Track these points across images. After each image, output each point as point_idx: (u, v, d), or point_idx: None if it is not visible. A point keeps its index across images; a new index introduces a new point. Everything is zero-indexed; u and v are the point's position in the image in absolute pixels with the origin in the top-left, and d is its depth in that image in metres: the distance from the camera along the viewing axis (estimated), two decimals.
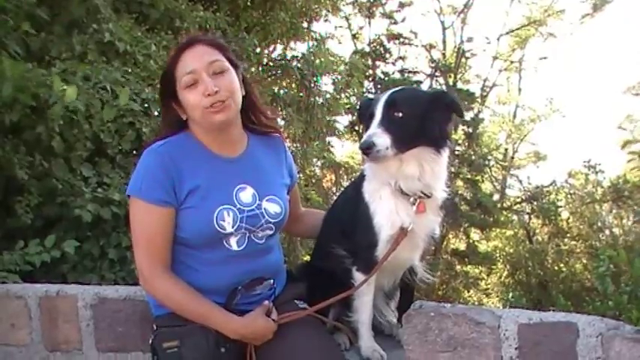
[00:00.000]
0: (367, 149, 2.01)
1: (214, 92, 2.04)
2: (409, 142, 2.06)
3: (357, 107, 2.41)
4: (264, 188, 2.19)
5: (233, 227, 2.08)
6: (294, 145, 10.65)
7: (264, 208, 2.16)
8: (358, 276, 2.23)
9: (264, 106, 2.33)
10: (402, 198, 2.15)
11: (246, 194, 2.15)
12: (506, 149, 21.74)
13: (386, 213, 2.16)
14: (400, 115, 2.06)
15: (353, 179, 2.65)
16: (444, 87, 18.93)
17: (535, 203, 15.85)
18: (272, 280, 2.19)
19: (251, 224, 2.13)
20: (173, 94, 2.13)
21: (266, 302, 2.12)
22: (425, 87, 18.19)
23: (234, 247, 2.12)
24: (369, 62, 18.16)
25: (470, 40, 20.64)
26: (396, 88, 2.16)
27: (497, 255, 16.17)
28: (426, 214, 2.20)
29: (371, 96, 2.97)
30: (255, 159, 2.24)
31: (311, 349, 2.12)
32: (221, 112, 2.07)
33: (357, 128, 17.63)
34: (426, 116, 2.08)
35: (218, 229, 2.07)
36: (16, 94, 3.37)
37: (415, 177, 2.12)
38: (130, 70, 4.87)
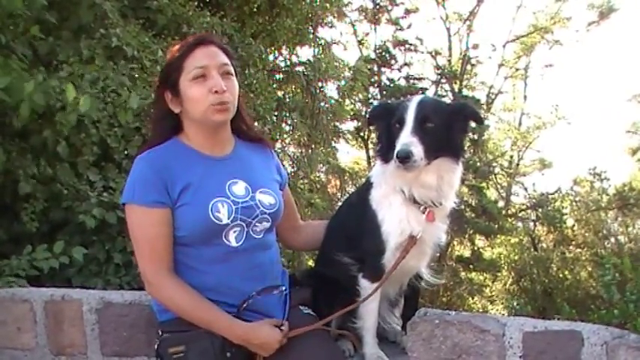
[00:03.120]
0: (406, 158, 2.00)
1: (223, 91, 2.09)
2: (436, 152, 2.07)
3: (372, 109, 2.39)
4: (255, 182, 2.23)
5: (229, 218, 2.10)
6: (299, 150, 10.65)
7: (258, 200, 2.19)
8: (364, 283, 2.24)
9: (248, 116, 2.37)
10: (413, 206, 2.16)
11: (239, 187, 2.18)
12: (511, 156, 21.67)
13: (395, 221, 2.17)
14: (431, 125, 2.06)
15: (358, 185, 2.64)
16: (449, 94, 18.90)
17: (540, 210, 15.76)
18: (284, 287, 2.24)
19: (247, 215, 2.14)
20: (173, 85, 2.15)
21: (280, 320, 2.15)
22: (430, 94, 18.18)
23: (233, 242, 2.13)
24: (375, 68, 18.13)
25: (475, 47, 20.60)
26: (422, 97, 2.15)
27: (502, 262, 16.10)
28: (435, 222, 2.20)
29: (385, 100, 2.93)
30: (243, 157, 2.28)
31: (316, 356, 2.14)
32: (223, 113, 2.13)
33: (362, 134, 17.63)
34: (450, 127, 2.09)
35: (214, 220, 2.08)
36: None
37: (433, 187, 2.13)
38: (137, 76, 4.88)
